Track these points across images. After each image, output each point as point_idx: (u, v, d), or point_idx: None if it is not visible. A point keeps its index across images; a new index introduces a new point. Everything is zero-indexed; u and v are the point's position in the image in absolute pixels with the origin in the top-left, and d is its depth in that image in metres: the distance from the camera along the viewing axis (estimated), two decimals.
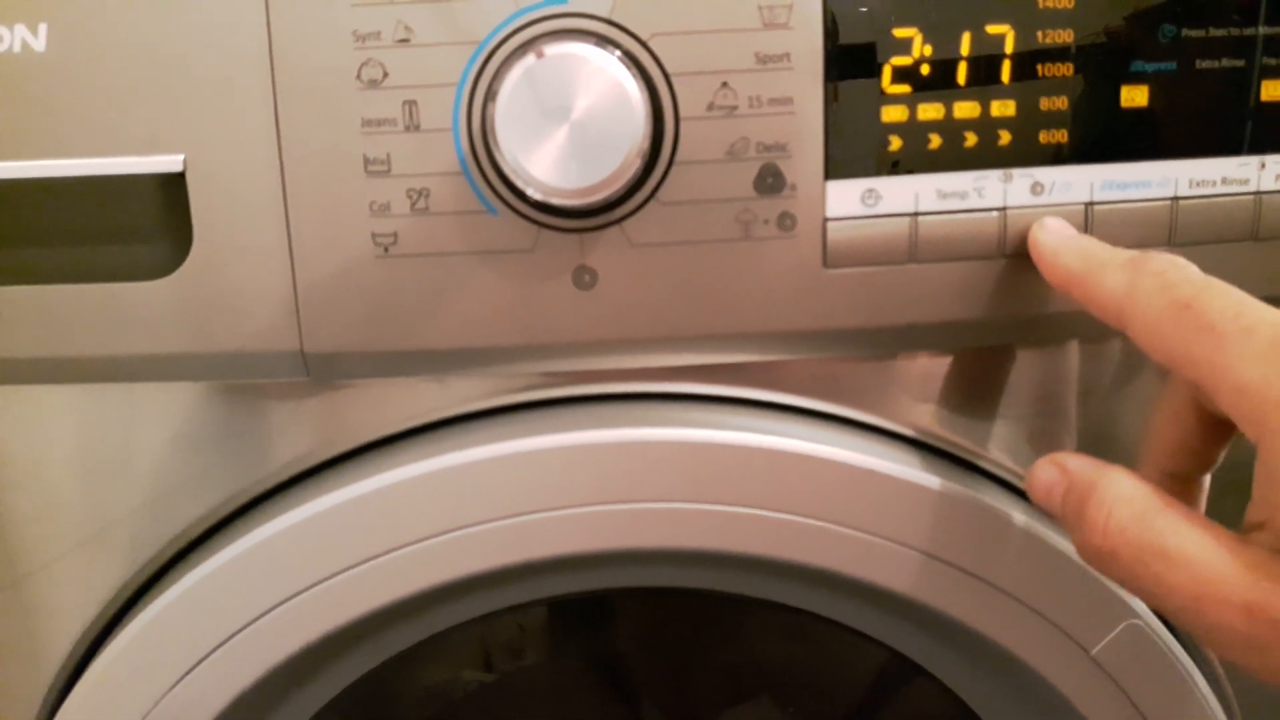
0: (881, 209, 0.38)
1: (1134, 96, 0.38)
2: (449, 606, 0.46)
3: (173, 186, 0.38)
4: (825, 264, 0.38)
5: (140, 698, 0.41)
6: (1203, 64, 0.38)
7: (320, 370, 0.40)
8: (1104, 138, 0.38)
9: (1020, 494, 0.43)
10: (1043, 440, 0.43)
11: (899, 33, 0.37)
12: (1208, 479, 0.37)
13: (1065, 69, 0.38)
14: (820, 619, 0.48)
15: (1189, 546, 0.29)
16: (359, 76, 0.36)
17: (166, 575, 0.43)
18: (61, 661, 0.44)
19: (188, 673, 0.41)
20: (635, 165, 0.36)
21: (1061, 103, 0.38)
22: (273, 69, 0.37)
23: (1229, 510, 0.44)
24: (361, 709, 0.50)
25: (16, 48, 0.37)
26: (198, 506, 0.43)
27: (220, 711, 0.41)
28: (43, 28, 0.37)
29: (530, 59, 0.35)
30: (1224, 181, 0.39)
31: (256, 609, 0.40)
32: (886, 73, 0.37)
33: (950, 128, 0.38)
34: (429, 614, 0.46)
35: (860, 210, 0.38)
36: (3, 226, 0.38)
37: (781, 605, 0.48)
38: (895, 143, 0.38)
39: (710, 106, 0.37)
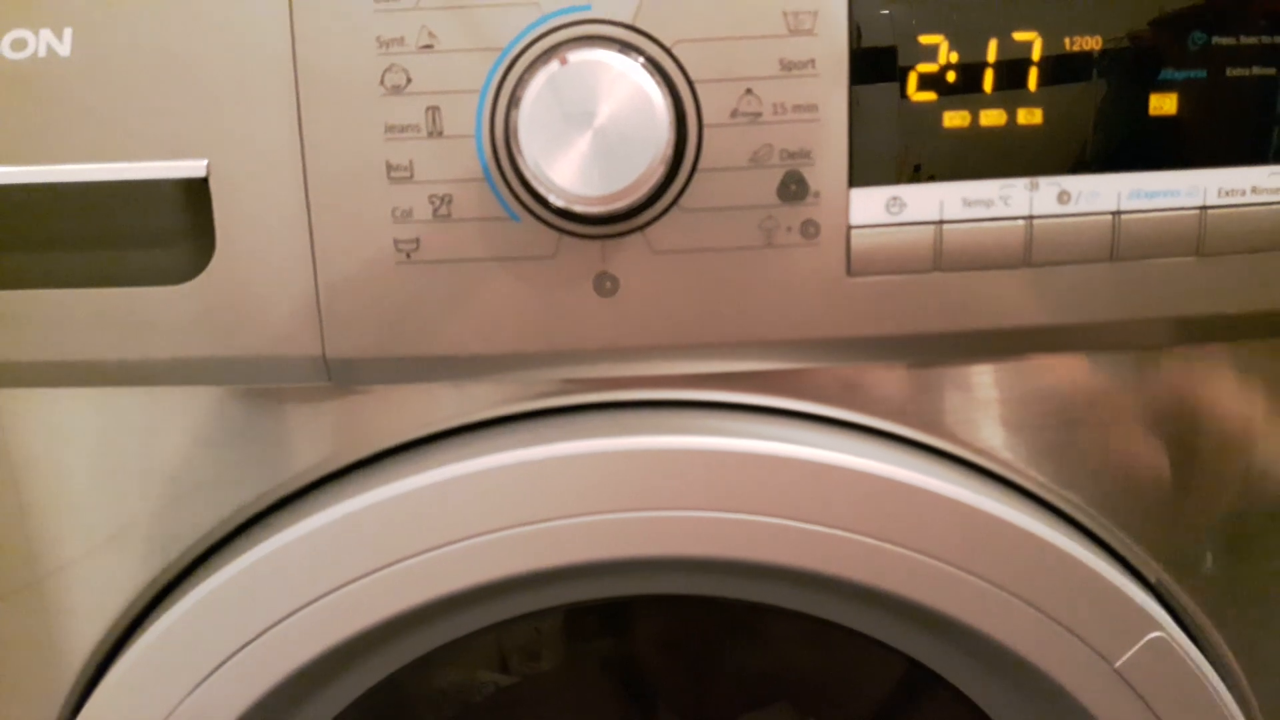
0: (906, 217, 0.38)
1: (1163, 104, 0.38)
2: (468, 612, 0.46)
3: (196, 191, 0.38)
4: (849, 272, 0.38)
5: (162, 700, 0.41)
6: (1233, 71, 0.37)
7: (341, 375, 0.40)
8: (1132, 146, 0.38)
9: (1044, 504, 0.43)
10: (1066, 451, 0.43)
11: (925, 39, 0.37)
12: None
13: (1093, 76, 0.37)
14: (838, 627, 0.47)
15: None
16: (382, 82, 0.36)
17: (188, 578, 0.43)
18: (83, 662, 0.44)
19: (209, 676, 0.41)
20: (658, 172, 0.36)
21: (1089, 110, 0.37)
22: (296, 74, 0.37)
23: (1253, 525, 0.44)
24: (382, 710, 0.50)
25: (41, 52, 0.37)
26: (218, 510, 0.43)
27: (241, 714, 0.41)
28: (68, 32, 0.37)
29: (554, 65, 0.35)
30: (1254, 191, 0.38)
31: (276, 614, 0.40)
32: (912, 79, 0.37)
33: (976, 135, 0.37)
34: (448, 619, 0.46)
35: (884, 218, 0.38)
36: (26, 231, 0.39)
37: (798, 613, 0.47)
38: (920, 150, 0.38)
39: (734, 113, 0.37)
